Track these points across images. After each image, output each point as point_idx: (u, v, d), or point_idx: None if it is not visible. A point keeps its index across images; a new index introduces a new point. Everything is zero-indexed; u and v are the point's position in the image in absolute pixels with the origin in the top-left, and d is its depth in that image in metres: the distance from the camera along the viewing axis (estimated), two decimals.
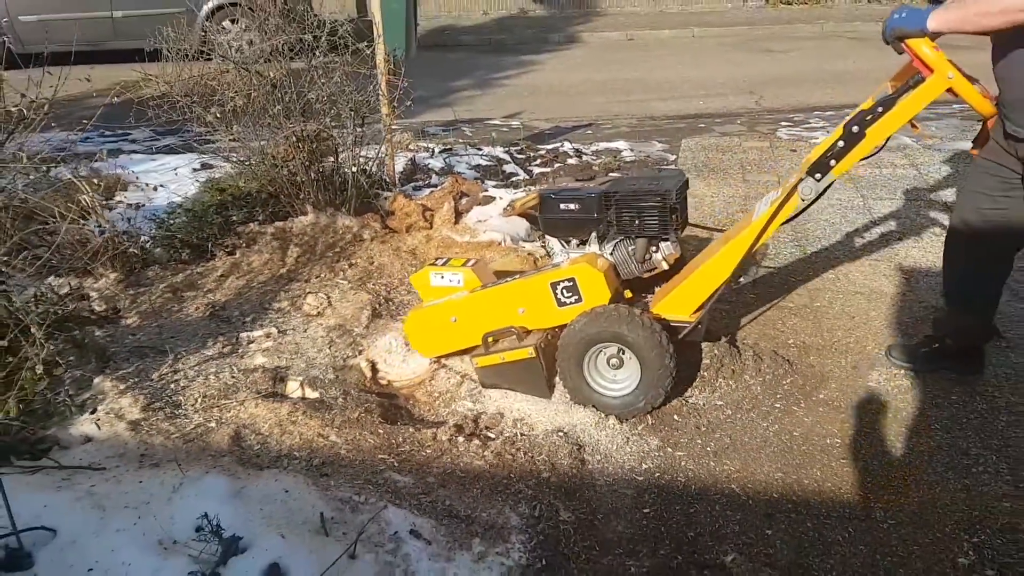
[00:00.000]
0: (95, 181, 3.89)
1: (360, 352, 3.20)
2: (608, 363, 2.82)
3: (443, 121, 7.60)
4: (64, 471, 2.31)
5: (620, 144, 6.52)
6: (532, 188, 4.95)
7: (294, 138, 3.93)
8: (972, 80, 2.49)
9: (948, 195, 5.04)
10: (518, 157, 6.05)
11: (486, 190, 4.71)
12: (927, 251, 4.21)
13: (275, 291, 3.66)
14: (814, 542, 2.29)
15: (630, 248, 2.98)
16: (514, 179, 5.48)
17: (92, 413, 2.57)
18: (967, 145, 6.07)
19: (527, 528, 2.29)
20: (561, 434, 2.70)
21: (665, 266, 3.02)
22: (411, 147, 6.12)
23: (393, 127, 4.81)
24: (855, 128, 2.62)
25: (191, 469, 2.29)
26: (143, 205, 4.34)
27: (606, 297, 2.83)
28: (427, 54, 10.34)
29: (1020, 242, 2.81)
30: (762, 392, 3.00)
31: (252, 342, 3.21)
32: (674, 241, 3.01)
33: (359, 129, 4.22)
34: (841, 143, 2.65)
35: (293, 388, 2.90)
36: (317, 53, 4.01)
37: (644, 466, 2.61)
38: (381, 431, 2.68)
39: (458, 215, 4.27)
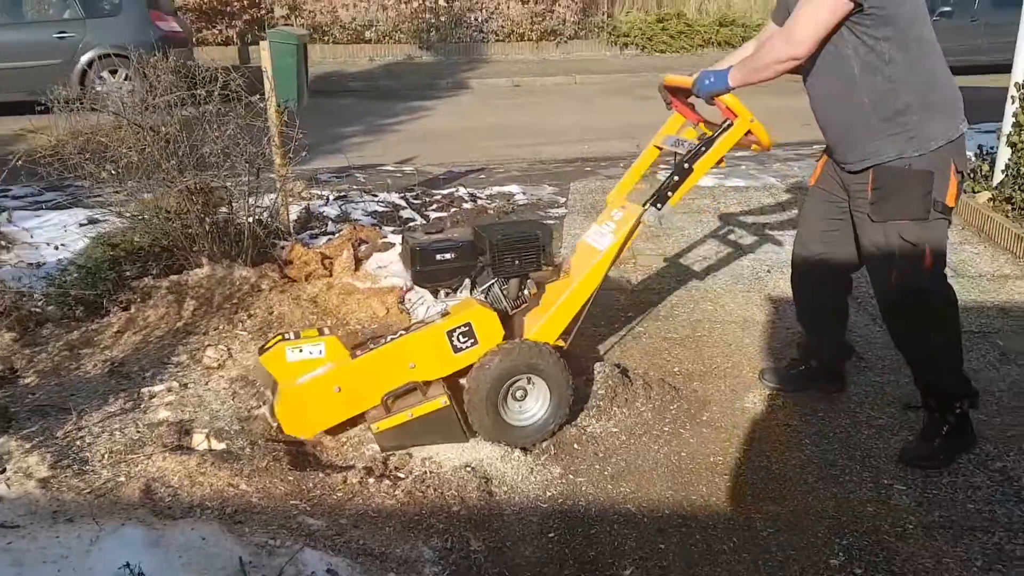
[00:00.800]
0: None
1: (264, 402, 3.24)
2: (514, 397, 2.99)
3: (335, 168, 7.67)
4: None
5: (513, 188, 6.77)
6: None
7: (187, 191, 3.95)
8: None
9: None
10: (414, 202, 6.21)
11: (385, 236, 4.83)
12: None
13: (173, 345, 3.66)
14: (703, 553, 2.50)
15: (504, 288, 3.15)
16: (411, 224, 5.62)
17: (2, 472, 2.54)
18: None
19: (440, 560, 2.41)
20: (469, 469, 2.84)
21: (528, 300, 3.22)
22: (304, 195, 6.17)
23: (287, 177, 4.88)
24: (686, 165, 3.04)
25: (106, 522, 2.31)
26: (41, 263, 4.26)
27: (500, 336, 2.99)
28: (315, 101, 10.35)
29: (854, 263, 3.13)
30: (652, 417, 3.22)
31: (154, 397, 3.21)
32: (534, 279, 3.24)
33: (254, 180, 4.28)
34: (676, 177, 3.06)
35: (199, 440, 2.92)
36: (210, 106, 4.06)
37: (548, 493, 2.77)
38: (291, 478, 2.74)
39: (358, 262, 4.38)
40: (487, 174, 7.52)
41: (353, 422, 3.08)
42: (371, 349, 3.00)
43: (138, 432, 2.93)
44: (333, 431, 3.05)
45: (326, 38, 16.04)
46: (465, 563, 2.41)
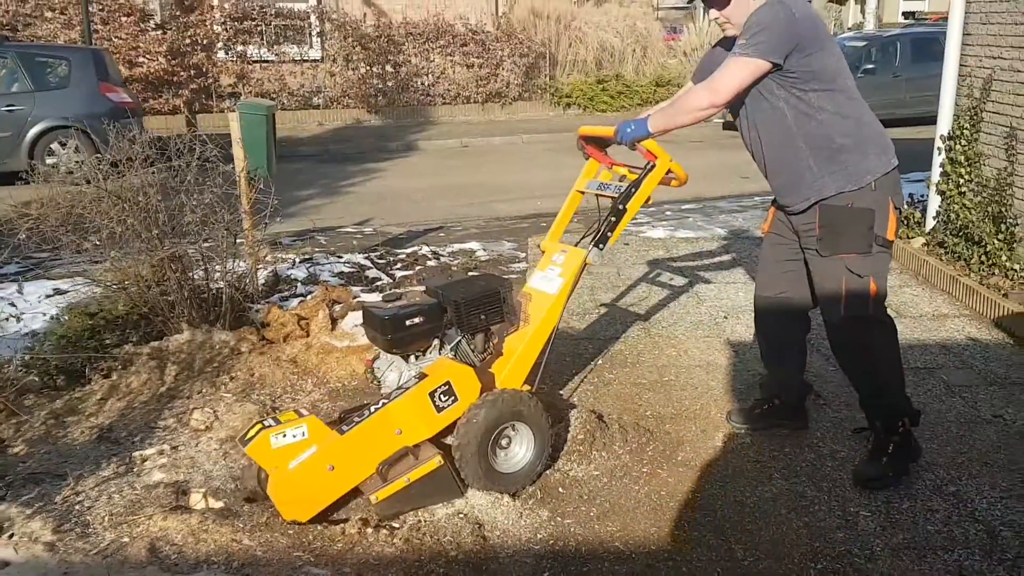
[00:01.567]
0: None
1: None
2: (500, 445, 3.12)
3: (295, 231, 7.77)
4: None
5: (473, 244, 6.98)
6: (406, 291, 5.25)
7: (167, 259, 4.05)
8: None
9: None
10: (379, 262, 6.36)
11: (357, 296, 4.96)
12: (748, 326, 4.83)
13: (159, 409, 3.72)
14: None
15: (471, 343, 3.30)
16: (378, 284, 5.76)
17: (11, 537, 2.58)
18: None
19: None
20: (461, 516, 2.95)
21: (492, 352, 3.37)
22: (269, 259, 6.27)
23: (260, 241, 5.00)
24: (621, 206, 3.33)
25: None
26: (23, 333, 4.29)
27: (477, 390, 3.11)
28: None
29: (809, 302, 3.39)
30: (631, 460, 3.39)
31: (146, 460, 3.26)
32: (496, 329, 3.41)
33: (232, 247, 4.39)
34: (613, 218, 3.34)
35: (197, 500, 2.99)
36: (188, 176, 4.19)
37: (539, 536, 2.90)
38: (291, 531, 2.83)
39: (333, 322, 4.49)
40: (446, 232, 7.72)
41: (349, 498, 3.09)
42: (355, 423, 3.01)
43: (135, 494, 2.99)
44: (331, 510, 3.02)
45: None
46: None
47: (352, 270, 6.09)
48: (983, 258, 5.41)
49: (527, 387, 3.29)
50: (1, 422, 3.46)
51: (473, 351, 3.29)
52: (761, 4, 3.00)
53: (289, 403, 3.84)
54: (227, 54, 16.42)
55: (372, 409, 3.06)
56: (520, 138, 14.68)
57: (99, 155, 4.22)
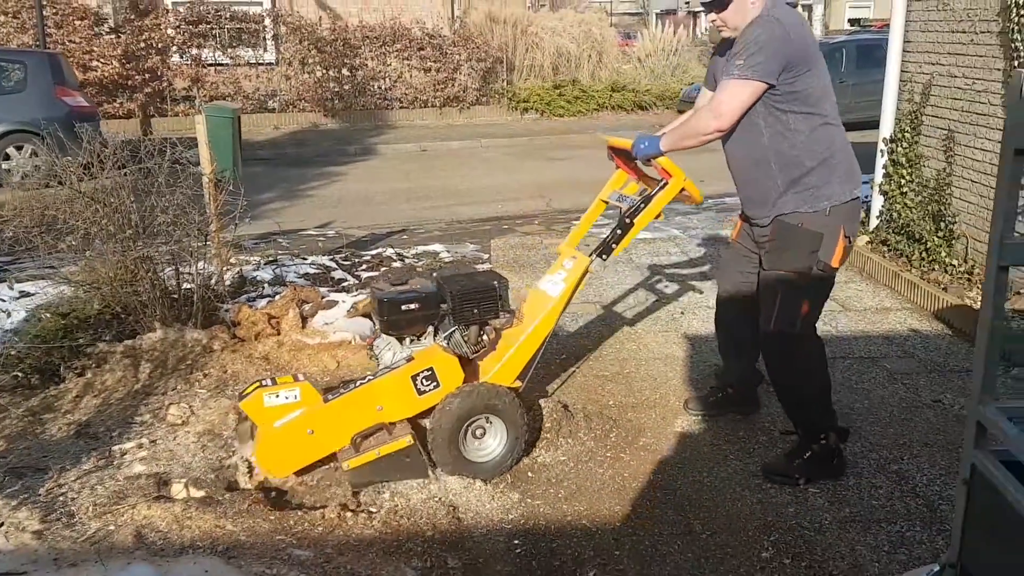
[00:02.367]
0: None
1: (234, 452, 3.42)
2: (474, 434, 3.26)
3: (257, 234, 7.81)
4: None
5: (437, 247, 7.11)
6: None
7: (140, 259, 4.12)
8: None
9: (714, 276, 6.02)
10: (343, 264, 6.45)
11: (325, 296, 5.06)
12: (703, 320, 5.07)
13: (135, 406, 3.79)
14: (653, 555, 2.83)
15: (464, 334, 3.46)
16: (344, 284, 5.86)
17: (1, 526, 2.66)
18: (724, 233, 7.25)
19: None
20: (436, 500, 3.10)
21: (487, 346, 3.53)
22: (233, 261, 6.32)
23: (230, 242, 5.08)
24: (628, 219, 3.42)
25: (111, 563, 2.46)
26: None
27: (460, 379, 3.29)
28: None
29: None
30: (595, 445, 3.56)
31: (126, 453, 3.35)
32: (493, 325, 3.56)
33: (202, 246, 4.48)
34: (619, 231, 3.43)
35: (178, 490, 3.08)
36: (160, 178, 4.26)
37: (510, 516, 3.05)
38: (272, 517, 2.94)
39: (304, 320, 4.60)
40: (409, 235, 7.84)
41: (325, 463, 3.29)
42: (342, 394, 3.24)
43: (118, 485, 3.08)
44: (306, 471, 3.25)
45: None
46: None
47: (317, 271, 6.19)
48: (923, 254, 5.71)
49: (518, 383, 3.41)
50: None
51: (466, 342, 3.43)
52: (757, 16, 3.08)
53: None
54: (182, 58, 16.33)
55: (359, 383, 3.25)
56: (479, 142, 14.83)
57: (71, 157, 4.27)
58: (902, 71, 6.33)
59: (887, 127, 6.34)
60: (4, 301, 4.83)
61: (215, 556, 2.60)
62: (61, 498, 2.97)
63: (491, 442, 3.30)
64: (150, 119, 15.44)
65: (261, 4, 17.39)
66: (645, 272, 6.14)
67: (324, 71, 16.89)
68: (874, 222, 6.46)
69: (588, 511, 3.10)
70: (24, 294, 5.33)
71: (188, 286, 4.52)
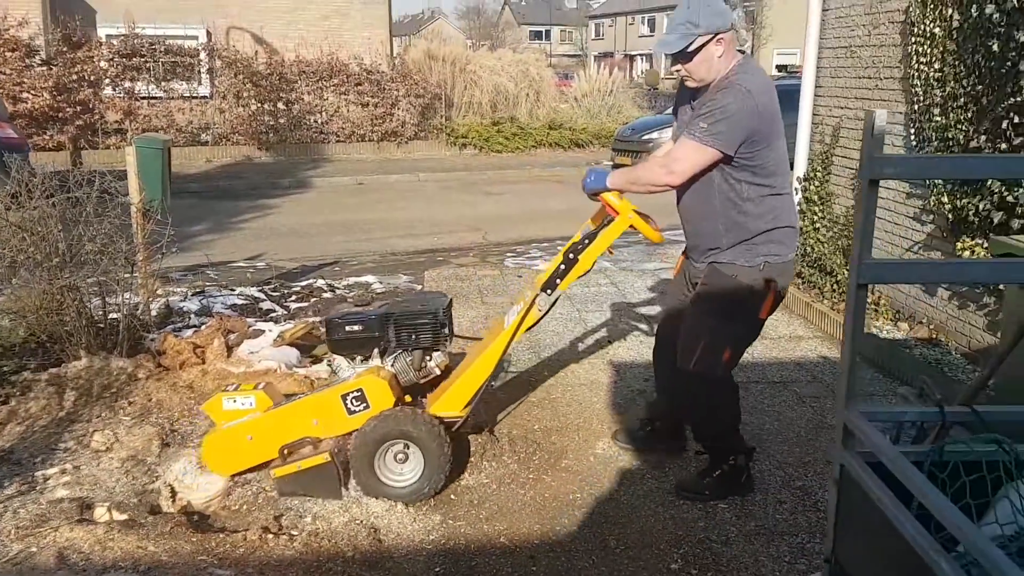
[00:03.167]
0: None
1: (157, 478, 3.43)
2: (395, 459, 3.34)
3: (184, 266, 7.73)
4: None
5: (369, 278, 7.18)
6: (302, 320, 5.42)
7: (66, 288, 4.12)
8: (646, 217, 3.41)
9: (640, 305, 6.24)
10: (272, 295, 6.47)
11: (253, 324, 5.09)
12: (629, 349, 5.25)
13: (59, 433, 3.77)
14: (568, 570, 2.94)
15: (408, 359, 3.56)
16: (272, 315, 5.88)
17: None
18: (652, 266, 7.49)
19: None
20: (357, 522, 3.17)
21: (438, 372, 3.63)
22: (159, 292, 6.28)
23: (156, 272, 5.08)
24: (571, 255, 3.43)
25: None
26: None
27: (390, 402, 3.37)
28: None
29: None
30: (518, 468, 3.67)
31: (49, 479, 3.34)
32: (444, 351, 3.66)
33: (128, 276, 4.48)
34: (563, 266, 3.45)
35: (101, 514, 3.09)
36: (88, 207, 4.28)
37: (431, 537, 3.13)
38: (194, 539, 2.97)
39: (229, 349, 4.62)
40: (341, 266, 7.89)
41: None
42: (282, 404, 3.38)
43: (40, 509, 3.08)
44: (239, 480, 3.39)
45: None
46: None
47: (245, 302, 6.19)
48: (834, 286, 6.01)
49: (466, 411, 3.45)
50: None
51: (410, 366, 3.51)
52: (730, 79, 3.10)
53: (187, 427, 3.95)
54: (114, 90, 16.15)
55: (299, 396, 3.39)
56: (416, 176, 14.96)
57: None
58: (813, 114, 6.70)
59: (801, 167, 6.67)
60: None
61: (137, 575, 2.62)
62: None
63: (408, 470, 3.34)
64: (80, 151, 15.19)
65: (197, 39, 17.35)
66: (575, 302, 6.31)
67: (259, 104, 16.87)
68: None
69: (508, 530, 3.20)
70: None
71: (114, 316, 4.52)
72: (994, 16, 4.32)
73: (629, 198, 3.39)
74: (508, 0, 76.54)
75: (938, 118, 4.95)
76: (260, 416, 3.39)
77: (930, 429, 2.07)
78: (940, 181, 4.93)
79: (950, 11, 4.76)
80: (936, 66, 4.97)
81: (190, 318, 5.70)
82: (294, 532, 3.11)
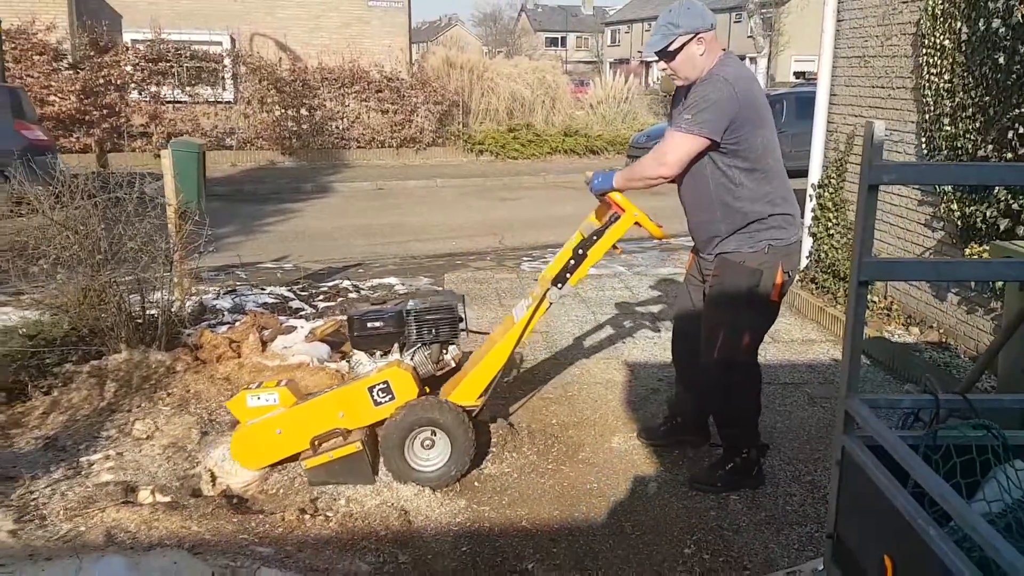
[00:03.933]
0: None
1: (197, 464, 3.63)
2: (422, 445, 3.52)
3: (215, 266, 7.98)
4: None
5: (392, 280, 7.38)
6: (331, 317, 5.62)
7: (109, 283, 4.33)
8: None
9: (653, 307, 6.40)
10: (301, 294, 6.68)
11: (285, 322, 5.30)
12: (642, 350, 5.41)
13: (101, 422, 3.98)
14: (587, 552, 3.11)
15: (426, 353, 3.74)
16: (301, 314, 6.09)
17: None
18: (664, 271, 7.65)
19: (375, 571, 2.90)
20: (388, 505, 3.35)
21: (453, 364, 3.82)
22: (192, 290, 6.51)
23: (195, 269, 5.30)
24: (580, 251, 3.62)
25: (86, 556, 2.66)
26: None
27: (414, 393, 3.56)
28: None
29: None
30: (538, 459, 3.84)
31: (93, 464, 3.53)
32: (458, 344, 3.84)
33: (169, 274, 4.70)
34: (572, 261, 3.63)
35: (145, 496, 3.28)
36: (128, 209, 4.49)
37: (457, 520, 3.31)
38: (235, 519, 3.16)
39: (263, 344, 4.82)
40: (365, 268, 8.09)
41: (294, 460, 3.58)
42: (309, 399, 3.54)
43: (87, 492, 3.27)
44: (275, 467, 3.57)
45: None
46: (396, 572, 2.92)
47: (275, 301, 6.40)
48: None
49: (480, 400, 3.62)
50: None
51: (428, 359, 3.69)
52: (713, 72, 3.29)
53: (225, 415, 4.13)
54: (140, 95, 16.48)
55: (324, 391, 3.53)
56: (434, 182, 15.18)
57: (40, 187, 4.47)
58: (828, 122, 6.84)
59: (815, 174, 6.81)
60: None
61: (183, 551, 2.81)
62: (33, 503, 3.16)
63: (435, 455, 3.54)
64: (107, 154, 15.52)
65: (221, 44, 17.68)
66: (590, 305, 6.48)
67: (282, 110, 17.17)
68: (804, 262, 6.90)
69: (530, 515, 3.37)
70: None
71: (151, 312, 4.73)
72: (1000, 30, 4.47)
73: (633, 197, 3.57)
74: (524, 7, 76.91)
75: (948, 128, 5.09)
76: (287, 411, 3.53)
77: (929, 418, 2.23)
78: (949, 189, 5.08)
79: (959, 24, 4.91)
80: (946, 77, 5.12)
81: (223, 315, 5.91)
82: (329, 513, 3.29)
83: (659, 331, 5.78)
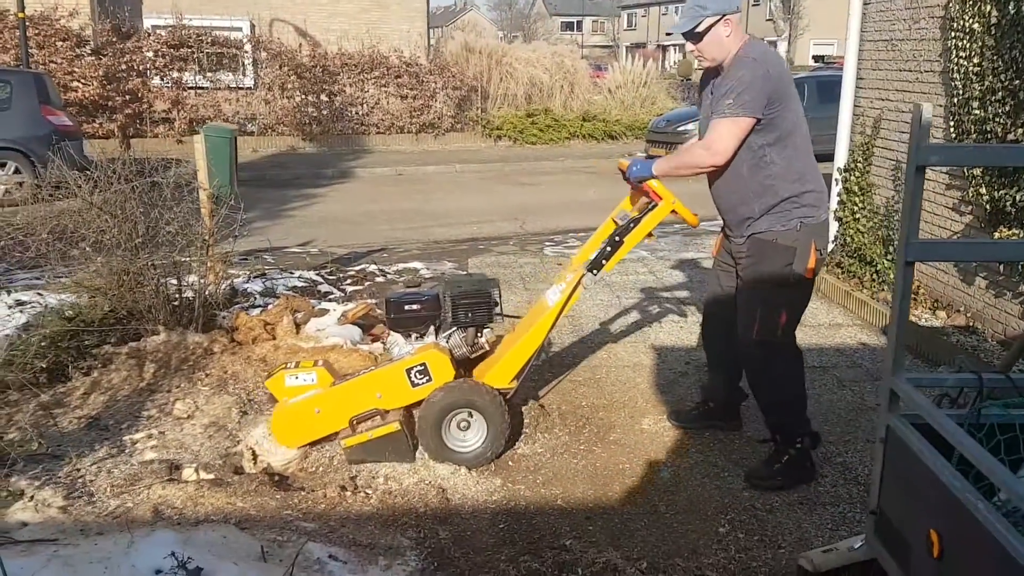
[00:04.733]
0: None
1: (239, 442, 3.70)
2: (459, 427, 3.58)
3: (243, 251, 8.03)
4: (20, 545, 2.66)
5: (417, 264, 7.44)
6: (361, 301, 5.69)
7: (147, 266, 4.41)
8: None
9: (678, 292, 6.43)
10: (329, 278, 6.76)
11: (316, 305, 5.37)
12: (668, 333, 5.45)
13: (142, 401, 4.06)
14: (622, 530, 3.17)
15: (462, 335, 3.80)
16: (331, 297, 6.16)
17: (30, 500, 2.92)
18: (689, 255, 7.66)
19: (417, 546, 2.97)
20: (426, 483, 3.42)
21: (487, 347, 3.87)
22: (223, 274, 6.59)
23: (229, 253, 5.38)
24: (617, 238, 3.64)
25: (137, 531, 2.74)
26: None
27: (451, 375, 3.61)
28: None
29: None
30: (570, 440, 3.90)
31: (136, 443, 3.62)
32: (492, 328, 3.89)
33: (205, 257, 4.77)
34: (608, 248, 3.66)
35: (189, 474, 3.36)
36: (166, 191, 4.56)
37: (493, 498, 3.37)
38: (279, 496, 3.23)
39: (297, 327, 4.89)
40: (389, 253, 8.15)
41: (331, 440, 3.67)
42: (347, 380, 3.61)
43: (132, 469, 3.35)
44: (313, 446, 3.65)
45: None
46: (438, 546, 2.98)
47: (305, 284, 6.48)
48: (874, 276, 6.15)
49: (514, 383, 3.68)
50: None
51: (463, 342, 3.75)
52: (737, 56, 3.35)
53: (264, 395, 4.21)
54: (162, 80, 16.58)
55: (362, 372, 3.61)
56: (453, 167, 15.21)
57: (84, 172, 4.55)
58: (855, 106, 6.82)
59: (841, 157, 6.80)
60: (10, 308, 5.06)
61: (230, 526, 2.88)
62: (80, 480, 3.24)
63: (472, 436, 3.60)
64: (129, 140, 15.65)
65: (241, 30, 17.74)
66: (615, 289, 6.51)
67: (303, 96, 17.23)
68: (830, 246, 6.90)
69: (564, 494, 3.43)
70: (19, 303, 5.57)
71: (188, 294, 4.80)
72: None
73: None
74: None
75: (977, 111, 5.08)
76: (325, 391, 3.61)
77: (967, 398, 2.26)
78: (978, 172, 5.07)
79: (988, 7, 4.88)
80: (975, 61, 5.09)
81: (255, 298, 5.98)
82: (369, 491, 3.36)
83: (685, 315, 5.81)
